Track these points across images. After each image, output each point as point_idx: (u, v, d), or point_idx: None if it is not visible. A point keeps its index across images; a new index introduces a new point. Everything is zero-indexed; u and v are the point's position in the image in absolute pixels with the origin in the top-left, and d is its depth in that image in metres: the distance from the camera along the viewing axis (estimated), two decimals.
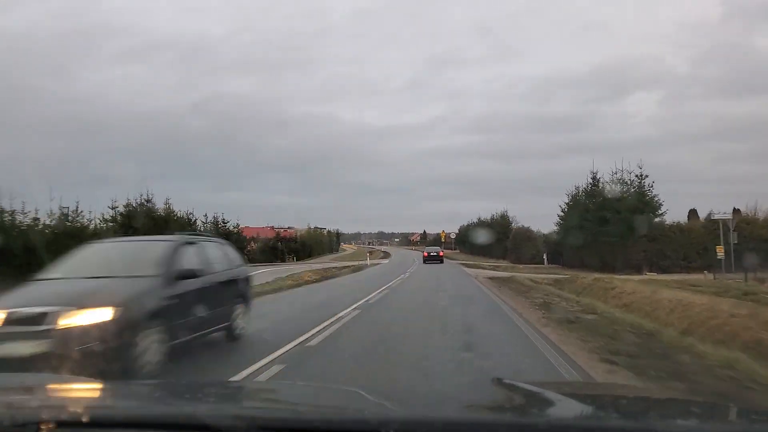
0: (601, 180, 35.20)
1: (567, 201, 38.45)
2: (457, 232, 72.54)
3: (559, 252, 39.33)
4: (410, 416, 1.51)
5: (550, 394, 1.87)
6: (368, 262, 38.88)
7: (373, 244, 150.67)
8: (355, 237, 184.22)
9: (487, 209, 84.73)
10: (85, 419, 1.35)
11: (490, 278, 23.54)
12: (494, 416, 1.62)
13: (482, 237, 51.77)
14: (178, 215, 31.44)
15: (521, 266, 37.21)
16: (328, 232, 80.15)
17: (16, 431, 1.32)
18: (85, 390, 2.16)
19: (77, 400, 1.83)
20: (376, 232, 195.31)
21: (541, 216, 79.98)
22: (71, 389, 2.16)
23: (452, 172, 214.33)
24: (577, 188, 37.97)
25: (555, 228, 40.55)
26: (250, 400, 2.06)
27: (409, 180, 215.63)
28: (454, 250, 73.20)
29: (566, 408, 1.74)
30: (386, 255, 67.59)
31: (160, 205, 29.81)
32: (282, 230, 63.39)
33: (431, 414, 1.56)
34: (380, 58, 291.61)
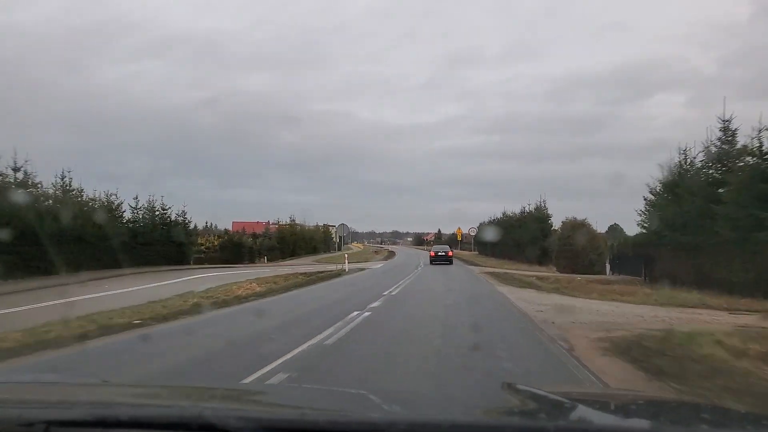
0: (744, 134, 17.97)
1: (666, 173, 23.02)
2: (477, 229, 59.60)
3: (650, 258, 23.61)
4: (417, 419, 1.51)
5: (559, 399, 1.86)
6: (346, 267, 29.05)
7: (385, 243, 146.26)
8: (370, 236, 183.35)
9: (498, 211, 75.31)
10: (91, 419, 1.37)
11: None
12: (501, 420, 1.62)
13: (511, 235, 42.30)
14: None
15: (578, 277, 24.23)
16: (324, 227, 67.69)
17: (23, 430, 1.32)
18: (91, 390, 2.19)
19: (84, 400, 1.81)
20: (391, 231, 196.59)
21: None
22: (78, 389, 2.19)
23: (469, 173, 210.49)
24: (684, 151, 22.17)
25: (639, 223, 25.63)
26: (256, 402, 2.06)
27: (424, 180, 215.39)
28: (474, 252, 60.69)
29: (575, 413, 1.69)
30: (390, 255, 59.47)
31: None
32: (275, 225, 55.59)
33: (438, 416, 1.56)
34: (397, 56, 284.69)
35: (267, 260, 40.84)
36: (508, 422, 1.55)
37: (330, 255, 54.47)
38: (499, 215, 52.93)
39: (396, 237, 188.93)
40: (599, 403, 1.95)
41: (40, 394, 1.95)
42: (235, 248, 39.85)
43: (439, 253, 40.06)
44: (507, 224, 46.05)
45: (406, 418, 1.52)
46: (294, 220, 56.49)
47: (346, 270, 27.69)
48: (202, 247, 38.43)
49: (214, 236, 42.97)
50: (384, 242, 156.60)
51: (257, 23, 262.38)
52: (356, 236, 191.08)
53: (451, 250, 43.44)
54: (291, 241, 51.04)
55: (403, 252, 74.20)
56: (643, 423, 1.62)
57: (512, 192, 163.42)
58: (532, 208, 43.32)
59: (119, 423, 1.38)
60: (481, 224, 59.31)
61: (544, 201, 42.46)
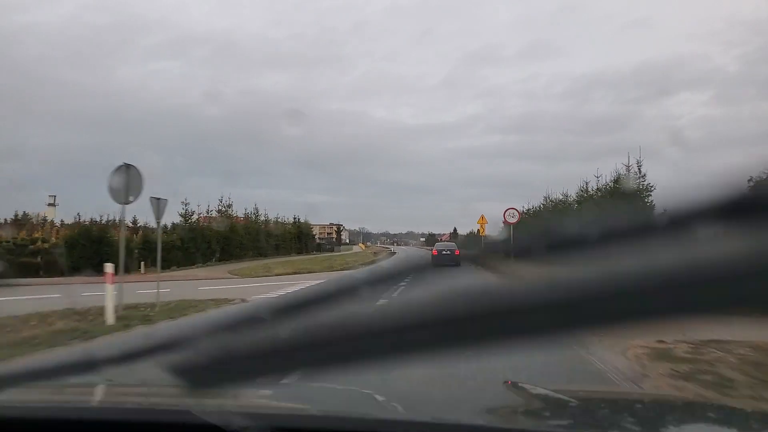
0: None
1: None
2: (520, 213, 38.23)
3: None
4: (421, 419, 1.45)
5: (565, 399, 1.81)
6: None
7: (396, 244, 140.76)
8: (384, 236, 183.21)
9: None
10: (91, 418, 1.37)
11: None
12: (506, 421, 1.59)
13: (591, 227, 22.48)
14: None
15: None
16: (297, 222, 50.26)
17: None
18: (95, 390, 2.01)
19: (85, 399, 1.77)
20: (406, 231, 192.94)
21: None
22: (82, 390, 1.99)
23: (486, 173, 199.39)
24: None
25: None
26: (261, 400, 1.80)
27: (441, 180, 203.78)
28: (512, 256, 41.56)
29: (582, 414, 1.67)
30: (385, 258, 44.47)
31: None
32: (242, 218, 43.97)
33: (443, 417, 1.50)
34: (415, 55, 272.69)
35: (143, 269, 23.25)
36: (513, 424, 1.53)
37: (292, 259, 38.50)
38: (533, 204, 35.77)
39: (410, 237, 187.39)
40: (606, 402, 1.97)
41: (42, 395, 1.78)
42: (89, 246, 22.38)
43: (443, 252, 31.66)
44: (555, 212, 30.64)
45: (412, 417, 1.48)
46: (262, 215, 46.16)
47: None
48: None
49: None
50: (396, 243, 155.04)
51: (275, 22, 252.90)
52: (369, 237, 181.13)
53: (458, 249, 33.26)
54: (238, 240, 36.61)
55: (404, 254, 59.56)
56: (651, 423, 1.59)
57: (532, 192, 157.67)
58: (607, 179, 25.32)
59: (123, 423, 1.37)
60: (524, 213, 37.57)
61: (639, 162, 22.35)
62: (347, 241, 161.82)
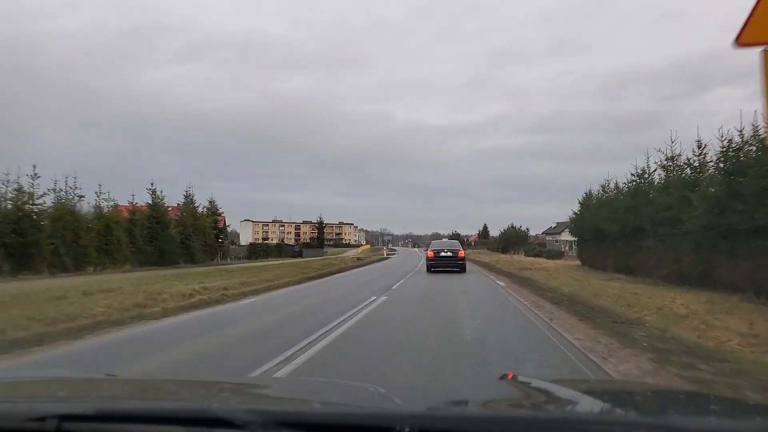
0: None
1: None
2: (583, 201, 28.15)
3: None
4: (426, 412, 1.45)
5: (566, 391, 1.87)
6: None
7: (418, 246, 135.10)
8: (407, 237, 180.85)
9: (553, 215, 64.06)
10: (101, 413, 1.36)
11: None
12: (511, 412, 1.59)
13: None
14: None
15: None
16: (208, 212, 43.74)
17: (34, 425, 1.30)
18: (99, 384, 2.17)
19: (92, 394, 1.83)
20: (431, 233, 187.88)
21: None
22: (86, 384, 2.19)
23: (513, 174, 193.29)
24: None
25: None
26: (264, 395, 2.02)
27: (467, 181, 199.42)
28: (567, 255, 37.53)
29: (582, 404, 1.63)
30: (361, 264, 37.44)
31: None
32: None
33: (442, 410, 1.50)
34: (438, 54, 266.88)
35: None
36: (517, 414, 1.50)
37: (181, 272, 24.93)
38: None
39: (435, 239, 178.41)
40: (607, 394, 1.91)
41: (48, 390, 1.95)
42: None
43: (442, 254, 24.90)
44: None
45: (413, 411, 1.47)
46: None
47: None
48: None
49: None
50: (417, 245, 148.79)
51: (296, 24, 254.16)
52: (391, 238, 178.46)
53: (463, 251, 26.05)
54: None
55: (405, 257, 54.36)
56: (652, 414, 1.56)
57: (561, 193, 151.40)
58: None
59: (128, 417, 1.37)
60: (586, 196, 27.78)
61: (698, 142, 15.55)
62: (355, 241, 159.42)
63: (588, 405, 1.63)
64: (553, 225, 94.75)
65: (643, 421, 1.35)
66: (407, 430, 1.19)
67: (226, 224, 51.67)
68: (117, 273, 24.83)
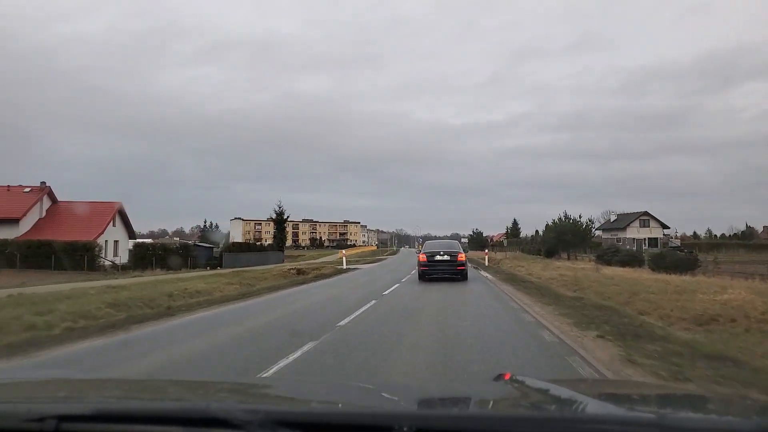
0: None
1: None
2: None
3: None
4: (425, 412, 1.49)
5: (564, 391, 1.86)
6: None
7: (406, 245, 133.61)
8: (426, 238, 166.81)
9: (576, 214, 50.05)
10: (101, 413, 1.36)
11: None
12: (511, 411, 1.62)
13: None
14: None
15: None
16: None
17: (33, 425, 1.30)
18: (98, 385, 2.20)
19: (93, 395, 1.84)
20: (450, 233, 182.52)
21: None
22: (87, 384, 2.19)
23: (535, 173, 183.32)
24: None
25: None
26: (263, 395, 2.04)
27: (487, 181, 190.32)
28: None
29: (582, 403, 1.62)
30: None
31: None
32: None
33: (447, 410, 1.55)
34: (458, 52, 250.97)
35: None
36: (517, 414, 1.52)
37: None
38: None
39: (455, 239, 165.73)
40: (605, 394, 1.94)
41: (48, 390, 1.95)
42: None
43: (437, 257, 19.94)
44: None
45: (412, 411, 1.50)
46: None
47: None
48: None
49: None
50: (407, 245, 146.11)
51: (311, 23, 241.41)
52: (407, 239, 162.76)
53: (463, 253, 20.75)
54: None
55: (405, 260, 47.27)
56: (649, 412, 1.60)
57: (585, 192, 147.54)
58: None
59: (127, 418, 1.37)
60: None
61: None
62: (363, 242, 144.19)
63: (585, 404, 1.60)
64: (612, 218, 75.74)
65: (641, 420, 1.37)
66: (405, 429, 1.20)
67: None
68: None
